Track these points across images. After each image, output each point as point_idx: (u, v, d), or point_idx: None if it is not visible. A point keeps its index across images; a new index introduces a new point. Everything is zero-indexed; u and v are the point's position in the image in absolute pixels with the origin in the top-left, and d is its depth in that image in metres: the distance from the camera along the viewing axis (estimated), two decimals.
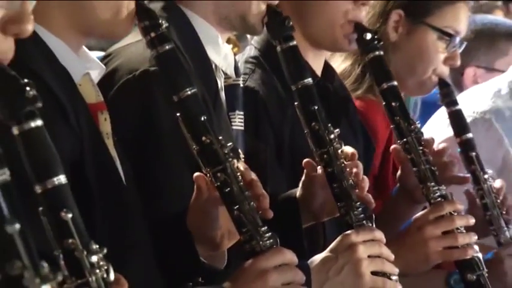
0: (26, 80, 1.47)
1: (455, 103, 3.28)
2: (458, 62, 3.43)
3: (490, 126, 3.51)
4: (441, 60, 3.34)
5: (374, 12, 3.34)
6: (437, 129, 3.64)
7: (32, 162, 1.53)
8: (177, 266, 2.27)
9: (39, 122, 1.47)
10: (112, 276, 1.63)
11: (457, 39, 3.35)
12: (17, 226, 1.19)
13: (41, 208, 1.56)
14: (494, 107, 3.62)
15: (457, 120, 3.27)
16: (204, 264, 2.28)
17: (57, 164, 1.57)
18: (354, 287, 2.43)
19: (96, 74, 2.24)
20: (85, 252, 1.59)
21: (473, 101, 3.62)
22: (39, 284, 1.20)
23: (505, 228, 3.16)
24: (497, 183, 3.25)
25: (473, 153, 3.20)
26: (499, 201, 3.18)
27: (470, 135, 3.24)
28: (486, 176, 3.20)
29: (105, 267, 1.61)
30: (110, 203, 2.09)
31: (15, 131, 1.48)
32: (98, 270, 1.60)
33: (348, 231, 2.43)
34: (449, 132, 3.42)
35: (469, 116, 3.52)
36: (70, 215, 1.57)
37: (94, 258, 1.59)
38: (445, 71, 3.37)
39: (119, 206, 2.14)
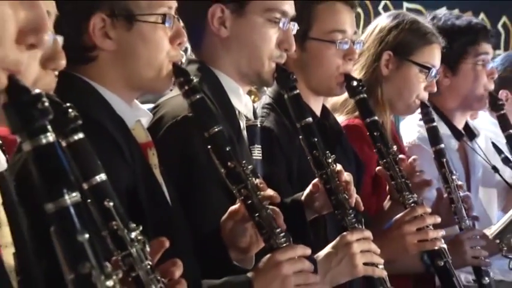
0: (68, 104, 1.49)
1: (433, 120, 3.40)
2: (435, 89, 3.51)
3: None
4: (422, 88, 3.43)
5: (369, 54, 3.44)
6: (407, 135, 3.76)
7: (79, 166, 1.56)
8: (214, 268, 2.28)
9: (81, 135, 1.50)
10: (148, 247, 1.70)
11: (434, 71, 3.44)
12: (86, 236, 1.22)
13: (89, 200, 1.59)
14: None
15: (433, 134, 3.39)
16: (236, 267, 2.30)
17: (98, 166, 1.61)
18: (350, 275, 2.50)
19: (145, 120, 2.28)
20: (125, 231, 1.66)
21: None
22: (104, 280, 1.23)
23: (466, 218, 3.24)
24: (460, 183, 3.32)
25: (444, 159, 3.31)
26: (461, 195, 3.27)
27: (442, 145, 3.36)
28: (454, 177, 3.29)
29: (143, 241, 1.69)
30: (159, 220, 2.12)
31: (63, 143, 1.51)
32: (136, 243, 1.67)
33: (344, 233, 2.49)
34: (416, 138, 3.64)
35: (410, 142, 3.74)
36: (112, 203, 1.63)
37: (133, 235, 1.66)
38: (425, 96, 3.44)
39: (165, 222, 2.17)
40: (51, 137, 1.21)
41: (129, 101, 2.23)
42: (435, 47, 3.52)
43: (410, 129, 3.84)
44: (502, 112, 3.77)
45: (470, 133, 3.86)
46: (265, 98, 3.06)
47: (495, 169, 3.77)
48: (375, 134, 2.97)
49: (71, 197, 1.22)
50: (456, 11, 4.50)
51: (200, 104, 2.23)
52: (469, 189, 3.81)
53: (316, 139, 2.58)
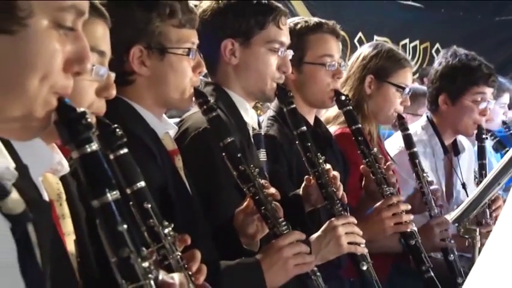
0: (115, 125, 1.52)
1: (407, 129, 3.49)
2: (409, 103, 3.58)
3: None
4: (398, 103, 3.49)
5: (355, 78, 3.52)
6: (393, 144, 3.82)
7: (124, 175, 1.58)
8: (228, 251, 2.33)
9: (125, 150, 1.52)
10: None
11: (407, 90, 3.52)
12: (125, 226, 1.21)
13: (131, 202, 1.61)
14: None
15: (408, 140, 3.47)
16: (245, 249, 2.36)
17: (138, 175, 1.63)
18: (337, 253, 2.56)
19: (172, 132, 2.37)
20: (160, 227, 1.69)
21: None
22: (141, 262, 1.23)
23: (434, 207, 3.29)
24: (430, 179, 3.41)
25: (417, 160, 3.39)
26: (431, 188, 3.34)
27: (415, 149, 3.46)
28: (424, 174, 3.37)
29: (174, 235, 1.73)
30: (184, 211, 2.17)
31: (111, 156, 1.53)
32: (169, 237, 1.71)
33: (332, 219, 2.57)
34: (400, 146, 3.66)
35: (397, 148, 3.76)
36: (149, 205, 1.67)
37: (166, 230, 1.70)
38: (401, 109, 3.51)
39: (189, 213, 2.23)
40: (94, 146, 1.21)
41: (159, 116, 2.29)
42: (408, 70, 3.58)
43: (395, 141, 3.88)
44: (484, 144, 3.86)
45: (455, 149, 3.92)
46: (270, 112, 3.12)
47: (464, 185, 3.87)
48: (359, 138, 3.05)
49: (112, 195, 1.22)
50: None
51: (216, 120, 2.32)
52: (451, 190, 3.93)
53: (309, 143, 2.65)
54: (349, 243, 2.58)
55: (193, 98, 2.33)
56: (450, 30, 9.85)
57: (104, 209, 1.23)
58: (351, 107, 3.09)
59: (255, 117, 2.82)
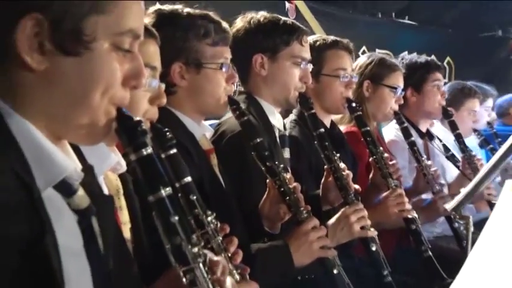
0: (166, 129, 1.57)
1: (404, 123, 3.46)
2: (402, 101, 3.54)
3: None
4: (393, 102, 3.45)
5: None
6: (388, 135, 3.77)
7: (174, 171, 1.60)
8: (254, 233, 2.30)
9: (174, 150, 1.55)
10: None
11: (399, 90, 3.49)
12: (176, 218, 1.19)
13: (179, 194, 1.59)
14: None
15: (405, 131, 3.43)
16: (268, 232, 2.33)
17: (186, 171, 1.65)
18: (350, 237, 2.46)
19: (208, 134, 2.36)
20: (204, 216, 1.66)
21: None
22: (191, 248, 1.20)
23: (435, 184, 3.29)
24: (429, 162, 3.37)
25: (415, 147, 3.35)
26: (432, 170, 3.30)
27: (413, 138, 3.41)
28: (423, 158, 3.33)
29: (216, 223, 1.71)
30: (218, 202, 2.12)
31: (163, 155, 1.57)
32: (212, 225, 1.69)
33: (346, 207, 2.48)
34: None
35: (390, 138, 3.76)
36: (195, 197, 1.67)
37: (209, 218, 1.68)
38: (396, 107, 3.47)
39: (223, 204, 2.18)
40: (149, 149, 1.19)
41: (198, 121, 2.26)
42: (398, 73, 3.52)
43: (390, 131, 3.85)
44: (452, 119, 3.82)
45: (430, 135, 3.85)
46: (292, 116, 3.05)
47: (451, 157, 3.83)
48: (368, 139, 2.97)
49: (165, 191, 1.19)
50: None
51: (247, 123, 2.28)
52: None
53: (326, 143, 2.59)
54: (360, 228, 2.48)
55: (228, 105, 2.29)
56: (440, 44, 9.66)
57: (159, 203, 1.19)
58: (360, 112, 3.02)
59: (281, 121, 2.77)
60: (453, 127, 3.82)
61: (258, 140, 2.25)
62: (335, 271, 2.26)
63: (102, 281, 1.17)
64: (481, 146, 4.39)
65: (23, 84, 1.07)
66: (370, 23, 8.95)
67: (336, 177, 2.57)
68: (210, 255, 1.31)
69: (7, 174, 1.02)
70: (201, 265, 1.22)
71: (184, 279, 1.21)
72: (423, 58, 4.06)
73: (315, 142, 2.63)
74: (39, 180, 1.04)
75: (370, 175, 3.03)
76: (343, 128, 3.34)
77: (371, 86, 3.46)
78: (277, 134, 2.71)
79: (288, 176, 2.28)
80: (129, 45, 1.14)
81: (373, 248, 2.55)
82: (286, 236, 2.25)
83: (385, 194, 2.90)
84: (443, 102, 3.83)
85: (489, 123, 4.77)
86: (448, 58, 9.60)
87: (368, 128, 3.00)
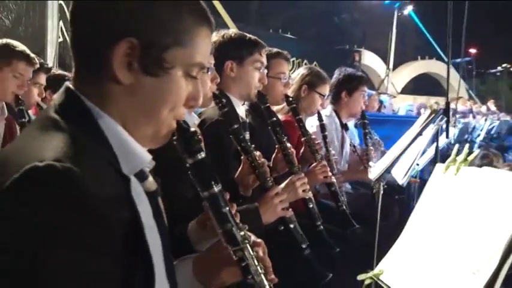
0: (193, 129, 1.25)
1: (322, 120, 3.30)
2: (325, 105, 3.50)
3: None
4: (319, 104, 3.36)
5: (296, 86, 3.36)
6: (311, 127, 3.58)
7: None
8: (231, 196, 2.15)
9: (203, 154, 1.21)
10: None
11: (325, 97, 3.43)
12: (227, 208, 1.13)
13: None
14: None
15: (322, 126, 3.26)
16: (242, 195, 2.19)
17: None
18: (296, 197, 2.35)
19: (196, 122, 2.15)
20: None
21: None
22: (238, 231, 1.16)
23: (335, 167, 3.18)
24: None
25: (327, 140, 3.24)
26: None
27: (326, 133, 3.24)
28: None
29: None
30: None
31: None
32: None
33: (291, 176, 2.38)
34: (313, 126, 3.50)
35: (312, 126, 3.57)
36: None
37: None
38: (320, 108, 3.39)
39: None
40: (203, 154, 1.12)
41: (188, 112, 2.03)
42: (327, 85, 3.47)
43: (312, 124, 3.61)
44: (366, 121, 3.71)
45: (345, 127, 3.82)
46: (244, 107, 2.80)
47: (354, 146, 3.83)
48: (301, 124, 2.92)
49: (217, 187, 1.13)
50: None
51: (226, 114, 2.18)
52: (345, 149, 3.83)
53: (278, 128, 2.50)
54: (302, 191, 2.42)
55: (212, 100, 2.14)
56: (309, 53, 10.01)
57: (212, 198, 1.14)
58: (295, 105, 2.95)
59: (243, 111, 2.64)
60: (364, 125, 3.73)
61: (236, 126, 2.15)
62: (291, 226, 2.18)
63: (167, 252, 1.09)
64: (355, 126, 4.39)
65: (111, 93, 0.98)
66: (263, 36, 8.99)
67: (284, 154, 2.52)
68: (253, 237, 1.24)
69: (108, 166, 0.94)
70: (248, 245, 1.17)
71: (234, 257, 1.16)
72: (360, 73, 4.03)
73: (269, 127, 2.52)
74: (125, 169, 0.97)
75: (301, 151, 2.96)
76: (281, 117, 3.23)
77: (307, 90, 3.38)
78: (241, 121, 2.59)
79: (258, 153, 2.18)
80: (196, 74, 1.07)
81: (310, 206, 2.52)
82: (256, 200, 2.14)
83: (313, 164, 2.86)
84: (363, 107, 3.81)
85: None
86: (315, 62, 10.10)
87: (301, 117, 2.95)
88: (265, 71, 2.61)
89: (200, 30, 1.03)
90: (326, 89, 3.44)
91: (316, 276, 2.18)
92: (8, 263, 0.77)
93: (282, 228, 2.19)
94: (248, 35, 2.55)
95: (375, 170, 2.29)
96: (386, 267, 1.53)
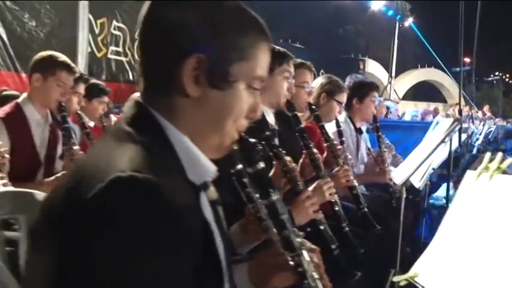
0: (253, 140, 1.22)
1: (340, 126, 3.24)
2: (342, 112, 3.41)
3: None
4: (337, 110, 3.32)
5: (316, 94, 3.30)
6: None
7: None
8: None
9: (262, 164, 1.18)
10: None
11: (343, 105, 3.35)
12: (285, 215, 1.10)
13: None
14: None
15: (339, 132, 3.21)
16: None
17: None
18: (323, 200, 2.29)
19: None
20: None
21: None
22: (294, 237, 1.13)
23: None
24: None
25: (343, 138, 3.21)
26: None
27: (344, 138, 3.20)
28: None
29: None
30: None
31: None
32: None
33: (319, 180, 2.33)
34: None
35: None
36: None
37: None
38: (337, 114, 3.33)
39: None
40: (262, 164, 1.11)
41: None
42: (345, 93, 3.40)
43: (330, 130, 3.35)
44: (379, 124, 3.67)
45: (360, 131, 3.73)
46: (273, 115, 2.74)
47: (369, 150, 3.76)
48: (323, 130, 2.87)
49: (275, 195, 1.11)
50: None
51: (259, 121, 2.02)
52: (360, 152, 3.74)
53: (305, 134, 2.46)
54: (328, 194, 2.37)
55: None
56: (317, 62, 10.13)
57: (271, 205, 1.12)
58: (318, 113, 2.90)
59: (273, 119, 2.56)
60: (377, 129, 3.68)
61: (268, 133, 2.10)
62: (321, 227, 2.15)
63: (229, 255, 1.08)
64: (367, 131, 4.32)
65: (179, 105, 0.96)
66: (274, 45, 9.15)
67: (311, 159, 2.46)
68: (308, 244, 1.20)
69: (179, 176, 0.92)
70: (304, 251, 1.14)
71: (291, 263, 1.13)
72: (369, 80, 3.94)
73: (297, 134, 2.48)
74: (192, 179, 0.95)
75: (324, 156, 2.86)
76: (304, 124, 3.11)
77: (326, 98, 3.33)
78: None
79: (288, 159, 2.13)
80: (257, 86, 1.06)
81: (336, 208, 2.48)
82: (287, 203, 2.03)
83: (336, 169, 2.80)
84: (375, 111, 3.74)
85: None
86: (322, 71, 10.08)
87: (323, 123, 2.90)
88: (293, 80, 2.55)
89: (260, 45, 1.01)
90: (344, 97, 3.38)
91: (346, 275, 2.14)
92: (93, 271, 0.74)
93: (310, 230, 2.12)
94: (277, 47, 2.48)
95: (399, 175, 2.24)
96: (422, 270, 1.49)
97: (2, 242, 1.02)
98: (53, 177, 2.58)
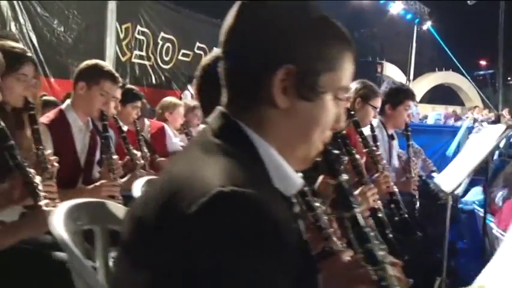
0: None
1: (374, 131, 3.18)
2: (377, 117, 3.38)
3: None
4: (372, 115, 3.28)
5: (351, 99, 3.25)
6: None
7: None
8: None
9: (346, 176, 1.10)
10: None
11: (377, 110, 3.32)
12: (368, 228, 1.03)
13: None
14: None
15: (374, 137, 3.14)
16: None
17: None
18: (368, 206, 2.25)
19: None
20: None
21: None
22: (378, 250, 1.04)
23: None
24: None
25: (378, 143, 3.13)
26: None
27: (378, 143, 3.12)
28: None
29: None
30: None
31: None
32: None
33: (363, 186, 2.27)
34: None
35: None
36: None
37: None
38: (372, 119, 3.30)
39: None
40: (345, 176, 1.05)
41: None
42: (379, 98, 3.35)
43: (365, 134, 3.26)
44: (409, 133, 3.55)
45: (392, 137, 3.65)
46: None
47: (399, 157, 3.71)
48: (362, 136, 2.83)
49: (356, 208, 1.05)
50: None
51: None
52: (391, 158, 3.66)
53: (347, 141, 2.39)
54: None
55: None
56: None
57: (353, 218, 1.05)
58: (356, 118, 2.84)
59: None
60: (408, 138, 3.57)
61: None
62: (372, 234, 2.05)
63: None
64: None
65: (267, 117, 0.94)
66: None
67: (354, 165, 2.43)
68: (390, 257, 1.12)
69: (272, 189, 0.90)
70: (387, 265, 1.05)
71: (375, 277, 1.04)
72: (406, 87, 3.85)
73: (339, 140, 2.39)
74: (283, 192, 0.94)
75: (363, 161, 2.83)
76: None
77: (360, 102, 3.28)
78: None
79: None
80: (342, 97, 1.04)
81: (380, 215, 2.41)
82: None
83: (376, 174, 2.77)
84: (407, 120, 3.65)
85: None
86: None
87: (361, 129, 2.85)
88: None
89: (346, 54, 0.99)
90: (378, 102, 3.34)
91: None
92: (199, 285, 0.74)
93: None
94: None
95: (448, 182, 2.19)
96: (488, 282, 1.46)
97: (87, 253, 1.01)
98: (92, 186, 2.56)
